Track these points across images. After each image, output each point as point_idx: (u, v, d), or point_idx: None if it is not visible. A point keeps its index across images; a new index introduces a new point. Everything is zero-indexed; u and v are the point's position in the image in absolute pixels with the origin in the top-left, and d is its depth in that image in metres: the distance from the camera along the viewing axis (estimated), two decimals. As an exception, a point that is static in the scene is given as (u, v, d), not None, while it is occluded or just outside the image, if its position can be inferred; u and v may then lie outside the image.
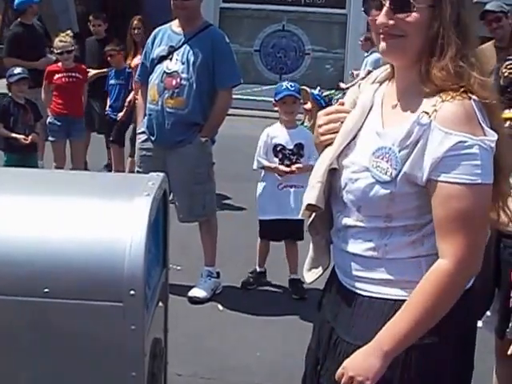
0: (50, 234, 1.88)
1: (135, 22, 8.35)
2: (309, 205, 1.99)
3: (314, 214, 2.04)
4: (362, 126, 1.98)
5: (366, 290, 1.94)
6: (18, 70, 6.85)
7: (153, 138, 4.88)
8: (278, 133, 5.08)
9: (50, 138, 7.17)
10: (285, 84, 5.15)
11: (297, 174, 4.94)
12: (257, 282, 5.14)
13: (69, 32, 7.44)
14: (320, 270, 2.12)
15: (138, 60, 7.67)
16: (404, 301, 1.85)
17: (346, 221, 1.95)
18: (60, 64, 7.26)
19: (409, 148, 1.82)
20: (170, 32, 4.87)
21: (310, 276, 2.13)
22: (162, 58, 4.82)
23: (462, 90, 1.80)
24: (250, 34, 17.73)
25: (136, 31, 8.26)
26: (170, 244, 2.45)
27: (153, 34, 5.00)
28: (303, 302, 4.92)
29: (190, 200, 4.84)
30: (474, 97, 1.81)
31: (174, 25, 4.91)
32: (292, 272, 5.06)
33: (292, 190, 4.96)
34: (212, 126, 4.96)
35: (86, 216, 1.94)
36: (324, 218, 2.04)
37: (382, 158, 1.85)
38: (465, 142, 1.76)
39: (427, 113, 1.80)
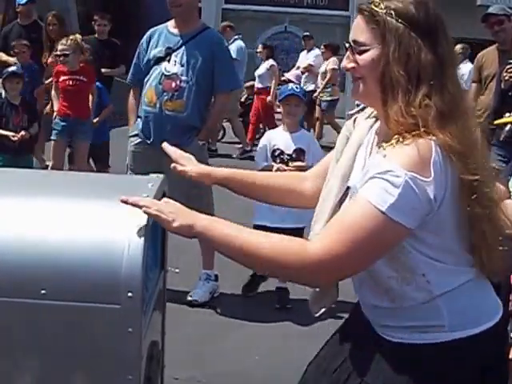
0: (48, 236, 1.86)
1: (50, 17, 8.32)
2: None
3: None
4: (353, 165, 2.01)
5: (392, 336, 1.92)
6: (11, 67, 6.86)
7: (149, 141, 4.82)
8: (278, 136, 5.01)
9: (52, 137, 7.16)
10: (291, 85, 5.09)
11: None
12: (257, 287, 5.11)
13: (77, 35, 7.41)
14: (328, 303, 2.13)
15: (52, 57, 7.75)
16: (432, 344, 1.85)
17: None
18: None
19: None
20: (167, 33, 4.81)
21: (318, 308, 2.14)
22: (158, 60, 4.76)
23: (423, 130, 1.77)
24: (252, 35, 17.74)
25: (51, 27, 8.22)
26: (168, 247, 2.43)
27: (148, 34, 4.92)
28: (302, 307, 4.90)
29: (187, 204, 4.78)
30: (434, 138, 1.77)
31: (171, 25, 4.85)
32: (280, 280, 4.96)
33: None
34: (210, 129, 4.95)
35: (83, 217, 1.92)
36: None
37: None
38: (394, 171, 1.73)
39: (384, 155, 1.80)
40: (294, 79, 11.47)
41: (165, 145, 2.36)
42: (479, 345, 1.89)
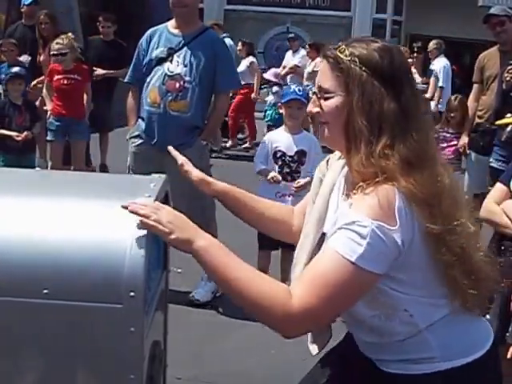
0: (50, 235, 1.86)
1: (42, 16, 8.39)
2: None
3: None
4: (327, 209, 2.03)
5: (388, 367, 1.96)
6: (14, 69, 6.88)
7: (152, 142, 4.81)
8: (279, 138, 4.97)
9: (47, 138, 7.17)
10: (293, 87, 5.01)
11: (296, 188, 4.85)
12: None
13: (70, 34, 7.44)
14: (323, 342, 2.17)
15: (45, 56, 7.79)
16: (427, 374, 1.89)
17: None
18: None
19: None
20: (167, 33, 4.81)
21: (315, 348, 2.18)
22: (160, 60, 4.76)
23: (384, 177, 1.79)
24: (254, 35, 17.72)
25: (43, 26, 8.28)
26: (170, 247, 2.44)
27: (147, 34, 4.91)
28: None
29: (190, 204, 4.80)
30: (397, 185, 1.78)
31: (171, 26, 4.84)
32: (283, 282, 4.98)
33: (290, 198, 4.81)
34: (211, 129, 4.98)
35: (86, 217, 1.92)
36: None
37: None
38: (361, 221, 1.75)
39: (350, 204, 1.82)
40: (273, 78, 11.49)
41: (170, 149, 2.40)
42: (472, 372, 1.92)
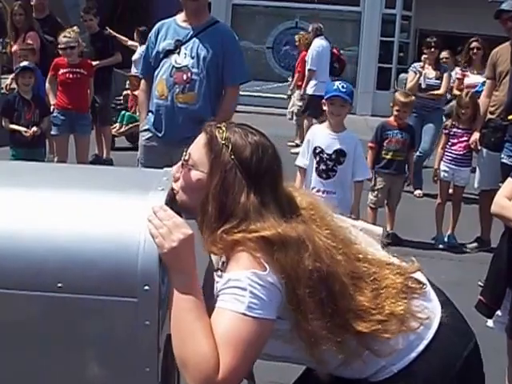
0: (63, 229, 1.86)
1: (15, 8, 8.45)
2: None
3: None
4: None
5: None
6: (24, 62, 6.89)
7: (160, 134, 4.80)
8: (320, 133, 4.92)
9: (52, 132, 7.17)
10: (337, 84, 4.85)
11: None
12: None
13: (75, 28, 7.44)
14: None
15: (17, 46, 7.81)
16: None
17: None
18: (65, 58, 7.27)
19: None
20: (176, 26, 4.77)
21: None
22: (168, 52, 4.74)
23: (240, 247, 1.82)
24: (263, 31, 17.75)
25: (17, 17, 8.32)
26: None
27: (156, 27, 4.88)
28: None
29: None
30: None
31: (179, 19, 4.81)
32: None
33: (324, 195, 4.77)
34: (220, 122, 4.98)
35: (99, 210, 1.93)
36: None
37: None
38: (236, 277, 1.78)
39: (220, 275, 1.86)
40: None
41: None
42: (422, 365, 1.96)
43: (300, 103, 11.42)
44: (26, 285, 1.81)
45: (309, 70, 10.93)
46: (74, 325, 1.81)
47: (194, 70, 4.65)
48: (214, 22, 4.85)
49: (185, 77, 4.66)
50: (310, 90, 10.86)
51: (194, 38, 4.69)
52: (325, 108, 4.95)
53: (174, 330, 1.81)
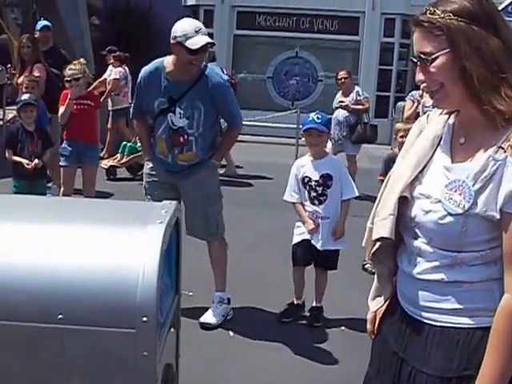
0: (64, 261, 1.91)
1: (24, 40, 8.57)
2: (381, 237, 2.02)
3: (378, 244, 2.06)
4: (430, 159, 2.01)
5: (436, 320, 1.96)
6: (24, 96, 6.96)
7: (164, 168, 4.96)
8: (304, 164, 5.10)
9: (60, 163, 7.22)
10: (312, 115, 5.05)
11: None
12: (294, 315, 5.14)
13: (81, 60, 7.51)
14: (382, 299, 2.17)
15: (23, 77, 7.88)
16: (477, 328, 1.88)
17: (417, 250, 1.98)
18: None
19: (483, 182, 1.84)
20: (167, 82, 4.76)
21: (375, 304, 2.20)
22: (163, 111, 4.84)
23: None
24: (264, 60, 17.85)
25: (25, 50, 8.44)
26: (182, 271, 2.48)
27: (144, 75, 4.87)
28: (313, 328, 4.93)
29: (206, 221, 4.96)
30: None
31: (169, 71, 4.78)
32: (317, 301, 5.17)
33: (320, 221, 4.98)
34: (223, 152, 5.19)
35: (99, 243, 1.97)
36: (388, 247, 2.06)
37: (455, 191, 1.88)
38: None
39: (503, 148, 1.83)
40: None
41: None
42: None
43: None
44: (28, 316, 1.85)
45: None
46: (73, 355, 1.85)
47: (190, 131, 4.79)
48: (202, 71, 4.84)
49: (181, 139, 4.81)
50: None
51: (187, 94, 4.76)
52: (303, 140, 5.15)
53: None
